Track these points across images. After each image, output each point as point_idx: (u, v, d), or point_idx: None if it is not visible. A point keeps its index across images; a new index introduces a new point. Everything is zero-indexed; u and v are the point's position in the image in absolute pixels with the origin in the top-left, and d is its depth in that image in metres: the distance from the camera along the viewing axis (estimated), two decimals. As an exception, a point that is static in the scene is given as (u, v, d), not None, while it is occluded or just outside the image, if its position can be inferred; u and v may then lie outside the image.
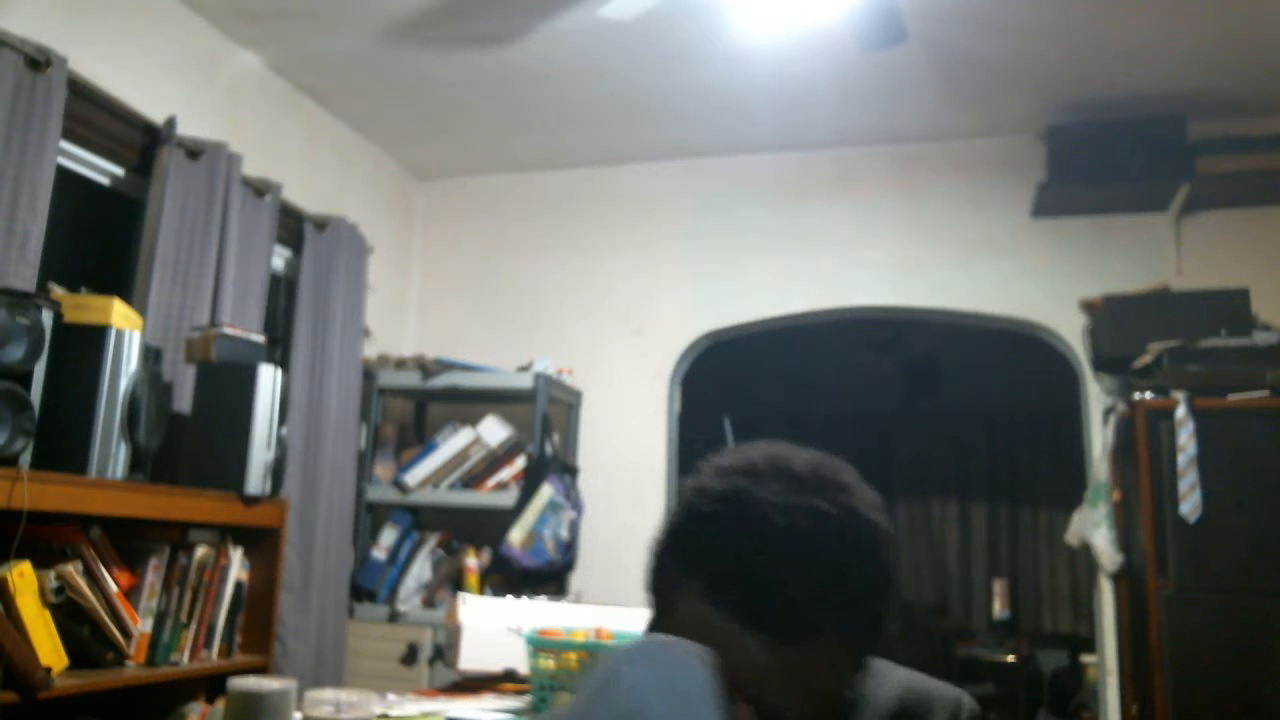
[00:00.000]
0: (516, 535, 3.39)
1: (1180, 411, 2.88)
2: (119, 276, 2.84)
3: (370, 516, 3.74)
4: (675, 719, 0.63)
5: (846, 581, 0.72)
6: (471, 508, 3.67)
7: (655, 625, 0.77)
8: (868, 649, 0.76)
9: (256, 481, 2.52)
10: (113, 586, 2.15)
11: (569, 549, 3.54)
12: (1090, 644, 3.98)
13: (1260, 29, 2.96)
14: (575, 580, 3.72)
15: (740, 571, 0.71)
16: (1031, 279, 3.68)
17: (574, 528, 3.57)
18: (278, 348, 2.95)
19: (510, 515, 3.45)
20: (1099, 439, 3.40)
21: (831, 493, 0.75)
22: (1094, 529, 3.21)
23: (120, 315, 2.26)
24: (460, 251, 4.34)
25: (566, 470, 3.65)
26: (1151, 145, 3.35)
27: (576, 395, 3.99)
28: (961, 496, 6.74)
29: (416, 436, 4.04)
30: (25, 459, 2.00)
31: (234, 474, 2.49)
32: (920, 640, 6.17)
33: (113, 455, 2.21)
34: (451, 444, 3.71)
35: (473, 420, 3.74)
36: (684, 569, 0.74)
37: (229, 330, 2.64)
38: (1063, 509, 4.53)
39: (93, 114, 2.68)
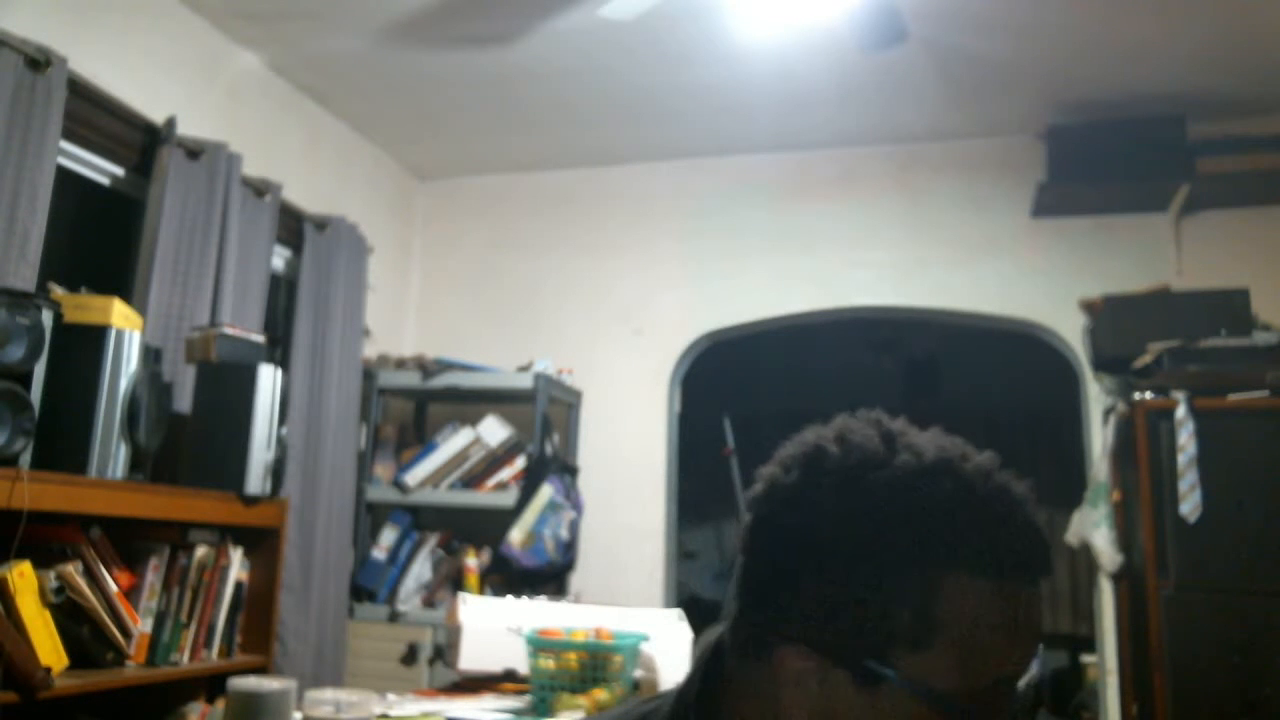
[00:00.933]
0: (516, 535, 3.40)
1: (1180, 411, 2.88)
2: (119, 276, 2.84)
3: (370, 516, 3.74)
4: None
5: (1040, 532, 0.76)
6: (471, 508, 3.67)
7: (919, 622, 0.71)
8: None
9: (256, 481, 2.52)
10: (113, 586, 2.15)
11: (569, 549, 3.54)
12: (1090, 644, 3.98)
13: (1260, 29, 2.96)
14: (575, 580, 3.72)
15: (1012, 537, 0.73)
16: (1031, 279, 3.68)
17: (574, 528, 3.57)
18: (278, 348, 2.95)
19: (510, 515, 3.45)
20: (1099, 439, 3.40)
21: (959, 445, 0.81)
22: (1094, 529, 3.21)
23: (120, 315, 2.26)
24: (460, 251, 4.34)
25: (566, 470, 3.65)
26: (1151, 145, 3.35)
27: (576, 395, 3.99)
28: (961, 496, 6.73)
29: (416, 436, 4.04)
30: (25, 459, 1.99)
31: (234, 474, 2.49)
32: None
33: (113, 455, 2.21)
34: (451, 444, 3.71)
35: (473, 420, 3.74)
36: (930, 556, 0.71)
37: (229, 330, 2.64)
38: (1063, 509, 4.52)
39: (93, 114, 2.68)
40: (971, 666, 0.70)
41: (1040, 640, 0.74)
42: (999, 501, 0.74)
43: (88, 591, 2.09)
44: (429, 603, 3.59)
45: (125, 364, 2.25)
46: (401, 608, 3.55)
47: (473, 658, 2.25)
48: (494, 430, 3.70)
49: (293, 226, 3.46)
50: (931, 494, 0.73)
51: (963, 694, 0.70)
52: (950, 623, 0.70)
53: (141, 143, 2.84)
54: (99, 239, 2.99)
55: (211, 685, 2.43)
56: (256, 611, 2.59)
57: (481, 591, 3.43)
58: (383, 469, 3.78)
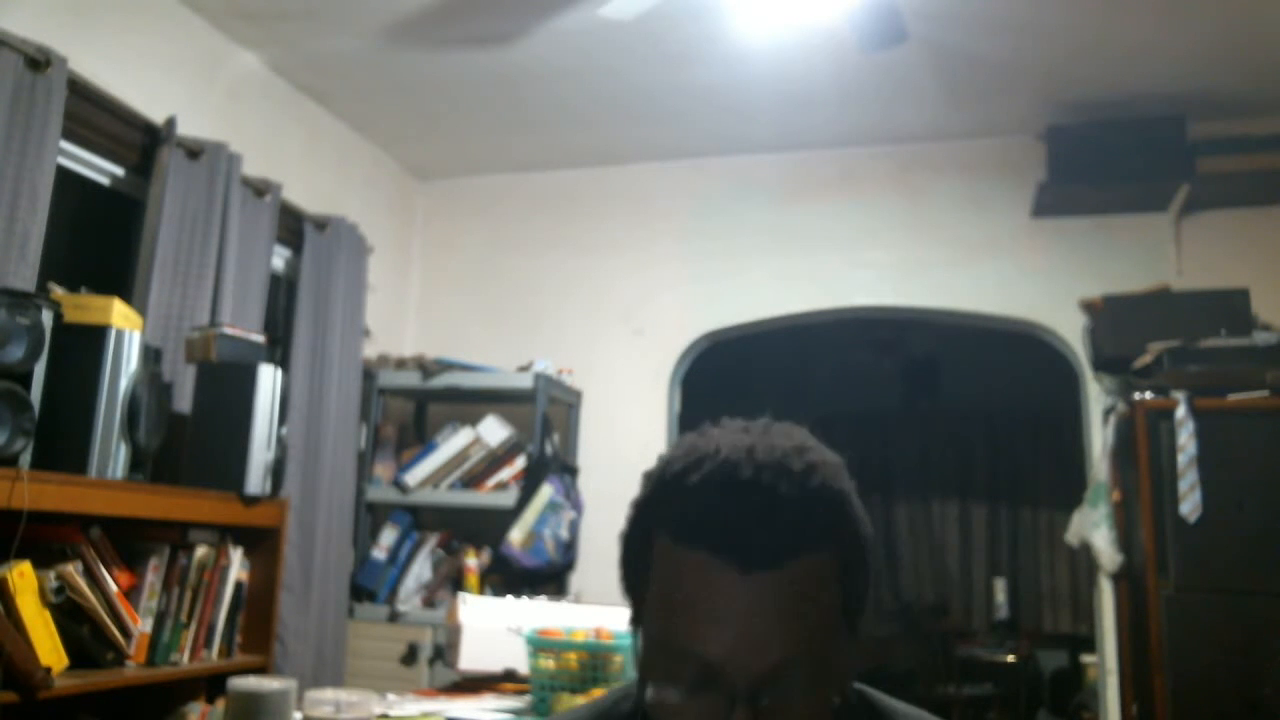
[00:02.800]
0: (516, 535, 3.39)
1: (1180, 411, 2.87)
2: (119, 276, 2.84)
3: (370, 516, 3.74)
4: None
5: (814, 517, 0.74)
6: (471, 508, 3.67)
7: (631, 576, 0.82)
8: (851, 590, 0.77)
9: (256, 481, 2.52)
10: (113, 586, 2.15)
11: (569, 549, 3.54)
12: (1090, 644, 3.98)
13: (1260, 29, 2.96)
14: (575, 580, 3.72)
15: (708, 506, 0.74)
16: (1031, 279, 3.68)
17: (574, 528, 3.57)
18: (278, 348, 2.95)
19: (510, 515, 3.45)
20: (1099, 439, 3.40)
21: (784, 433, 0.80)
22: (1094, 529, 3.21)
23: (120, 315, 2.26)
24: (460, 251, 4.34)
25: (566, 470, 3.65)
26: (1151, 145, 3.35)
27: (576, 395, 3.99)
28: (961, 496, 6.74)
29: (416, 436, 4.04)
30: (25, 459, 1.99)
31: (234, 474, 2.49)
32: (920, 640, 6.17)
33: (113, 455, 2.21)
34: (451, 444, 3.71)
35: (473, 420, 3.74)
36: (655, 527, 0.78)
37: (229, 330, 2.64)
38: (1063, 509, 4.52)
39: (93, 114, 2.68)
40: (663, 624, 0.76)
41: (746, 631, 0.72)
42: (711, 481, 0.75)
43: (88, 591, 2.09)
44: (429, 603, 3.59)
45: (125, 364, 2.25)
46: (401, 608, 3.55)
47: (473, 658, 2.25)
48: (494, 430, 3.70)
49: (293, 226, 3.46)
50: (662, 471, 0.79)
51: (659, 647, 0.76)
52: (654, 578, 0.77)
53: (141, 143, 2.84)
54: (99, 239, 2.99)
55: (211, 685, 2.43)
56: (256, 611, 2.59)
57: (481, 591, 3.43)
58: (383, 469, 3.78)
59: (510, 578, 3.43)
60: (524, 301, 4.19)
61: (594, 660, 2.01)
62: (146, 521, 2.28)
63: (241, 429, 2.51)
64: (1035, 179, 3.55)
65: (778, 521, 0.73)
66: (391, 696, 2.07)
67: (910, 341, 6.43)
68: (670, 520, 0.76)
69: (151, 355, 2.40)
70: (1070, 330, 3.60)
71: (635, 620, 0.82)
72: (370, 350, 3.89)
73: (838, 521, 0.76)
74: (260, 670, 2.50)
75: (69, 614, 2.07)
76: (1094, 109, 3.42)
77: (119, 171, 2.85)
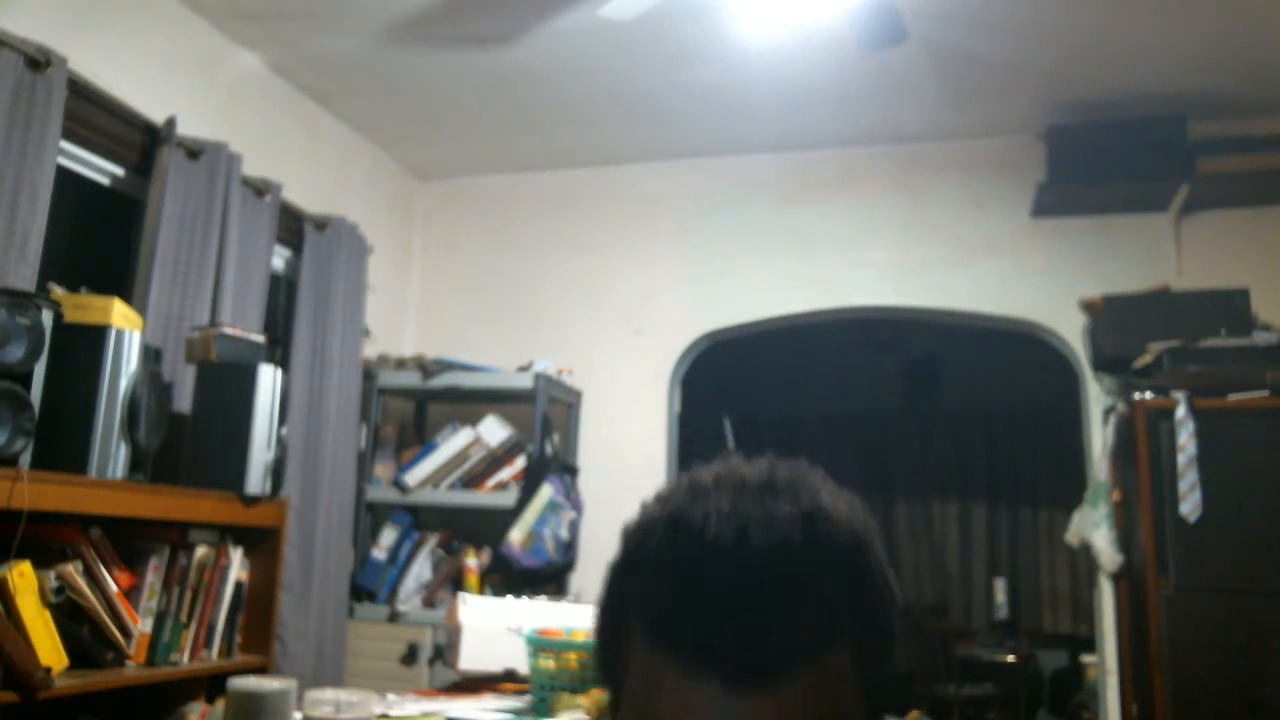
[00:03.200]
0: (516, 535, 3.39)
1: (1180, 411, 2.88)
2: (119, 276, 2.84)
3: (370, 516, 3.74)
4: None
5: (821, 600, 0.58)
6: (471, 508, 3.67)
7: (607, 661, 0.65)
8: (873, 681, 0.60)
9: (256, 481, 2.52)
10: (113, 586, 2.15)
11: (569, 549, 3.54)
12: (1090, 644, 3.98)
13: (1260, 29, 2.96)
14: (575, 580, 3.72)
15: (685, 604, 0.58)
16: (1031, 279, 3.68)
17: (574, 528, 3.57)
18: (278, 348, 2.95)
19: (510, 515, 3.45)
20: (1099, 439, 3.40)
21: (791, 493, 0.61)
22: (1094, 529, 3.21)
23: (120, 315, 2.26)
24: (460, 251, 4.34)
25: (566, 470, 3.65)
26: (1151, 145, 3.35)
27: (576, 395, 3.99)
28: (961, 496, 6.74)
29: (416, 436, 4.04)
30: (25, 459, 1.99)
31: (234, 474, 2.49)
32: (920, 640, 6.17)
33: (113, 455, 2.21)
34: (451, 444, 3.71)
35: (473, 420, 3.74)
36: (629, 613, 0.62)
37: (229, 330, 2.64)
38: (1063, 509, 4.52)
39: (93, 114, 2.68)
40: None
41: None
42: (692, 569, 0.58)
43: (88, 591, 2.09)
44: (429, 603, 3.59)
45: (125, 364, 2.25)
46: (401, 608, 3.55)
47: (473, 658, 2.25)
48: (494, 430, 3.70)
49: (293, 226, 3.46)
50: (639, 542, 0.64)
51: None
52: (630, 675, 0.61)
53: (141, 143, 2.84)
54: (99, 239, 2.99)
55: (211, 685, 2.43)
56: (256, 611, 2.58)
57: (481, 591, 3.43)
58: (383, 469, 3.78)
59: (510, 578, 3.43)
60: (524, 301, 4.19)
61: (594, 660, 2.01)
62: (146, 521, 2.28)
63: (241, 429, 2.51)
64: (1035, 179, 3.55)
65: (775, 627, 0.56)
66: (391, 696, 2.07)
67: (910, 341, 6.43)
68: (642, 610, 0.60)
69: (151, 355, 2.40)
70: (1070, 330, 3.60)
71: (613, 703, 0.65)
72: (370, 350, 3.89)
73: (855, 604, 0.60)
74: (260, 670, 2.50)
75: (69, 614, 2.07)
76: (1094, 109, 3.42)
77: (119, 171, 2.85)
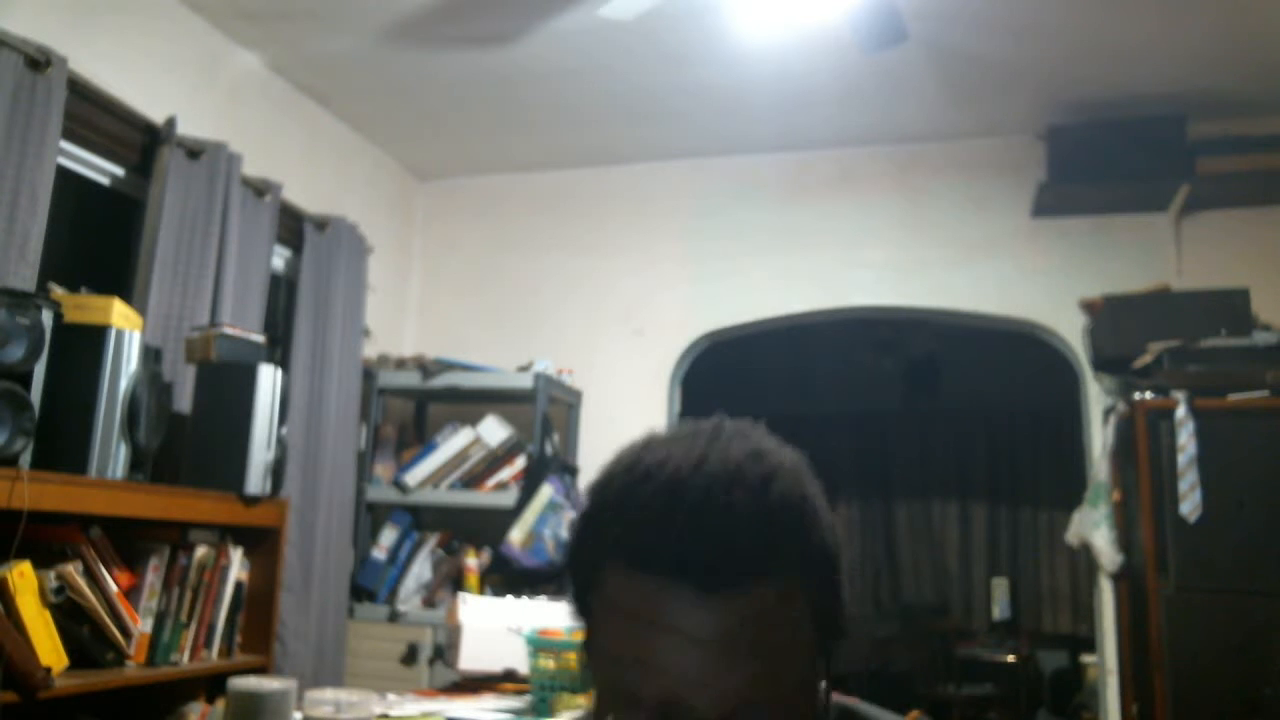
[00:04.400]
0: (516, 535, 3.39)
1: (1180, 411, 2.88)
2: (119, 276, 2.84)
3: (370, 516, 3.74)
4: None
5: (775, 531, 0.67)
6: (471, 508, 3.67)
7: (580, 601, 0.74)
8: (823, 605, 0.70)
9: (256, 481, 2.52)
10: (113, 586, 2.15)
11: (569, 549, 3.54)
12: (1090, 644, 3.98)
13: (1260, 29, 2.96)
14: (575, 580, 3.71)
15: (657, 529, 0.67)
16: (1031, 279, 3.68)
17: (574, 528, 3.57)
18: (278, 348, 2.95)
19: (510, 515, 3.45)
20: (1099, 439, 3.40)
21: (740, 437, 0.72)
22: (1094, 529, 3.21)
23: (120, 315, 2.26)
24: (460, 251, 4.34)
25: (566, 470, 3.65)
26: (1151, 145, 3.35)
27: (576, 395, 3.99)
28: (961, 496, 6.74)
29: (416, 436, 4.04)
30: (25, 459, 1.99)
31: (234, 474, 2.49)
32: (920, 640, 6.17)
33: (113, 455, 2.21)
34: (451, 444, 3.71)
35: (473, 420, 3.74)
36: (599, 552, 0.71)
37: (229, 330, 2.64)
38: (1063, 509, 4.53)
39: (93, 114, 2.68)
40: (611, 664, 0.69)
41: (707, 667, 0.64)
42: (658, 498, 0.67)
43: (88, 591, 2.09)
44: (429, 603, 3.59)
45: (125, 364, 2.25)
46: (401, 608, 3.55)
47: (473, 658, 2.25)
48: (494, 430, 3.70)
49: (293, 226, 3.46)
50: (604, 486, 0.74)
51: (610, 688, 0.69)
52: (602, 607, 0.70)
53: (141, 143, 2.84)
54: (99, 239, 2.99)
55: (211, 685, 2.43)
56: (256, 611, 2.58)
57: (481, 591, 3.43)
58: (383, 469, 3.78)
59: (510, 578, 3.43)
60: (524, 301, 4.19)
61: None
62: (146, 521, 2.28)
63: (241, 429, 2.51)
64: (1035, 179, 3.55)
65: (736, 538, 0.65)
66: (391, 696, 2.07)
67: (910, 341, 6.43)
68: (616, 542, 0.69)
69: (151, 355, 2.39)
70: (1070, 330, 3.60)
71: (585, 644, 0.74)
72: (370, 350, 3.89)
73: (802, 534, 0.69)
74: (260, 670, 2.50)
75: (69, 614, 2.07)
76: (1094, 109, 3.42)
77: (119, 171, 2.85)
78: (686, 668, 0.64)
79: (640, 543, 0.67)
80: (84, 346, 2.19)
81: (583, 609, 0.74)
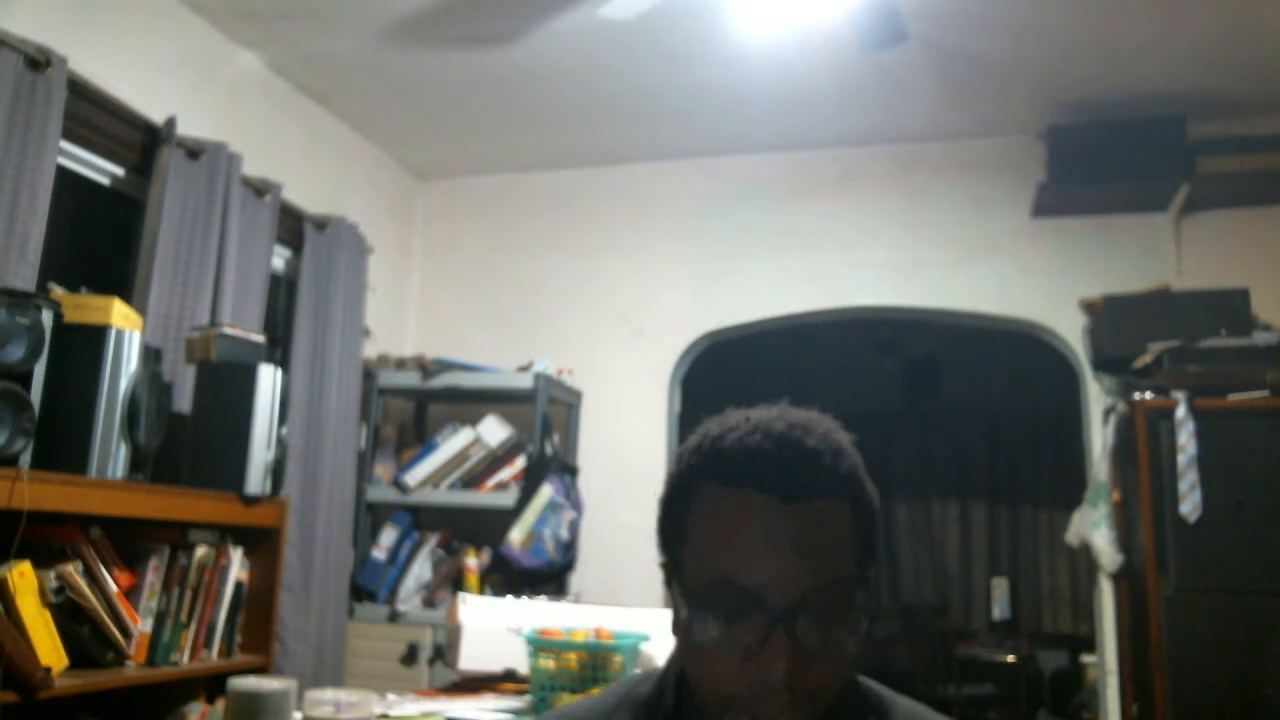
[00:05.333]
0: (516, 535, 3.39)
1: (1180, 411, 2.88)
2: (119, 276, 2.83)
3: (370, 516, 3.74)
4: None
5: (838, 465, 0.87)
6: (471, 508, 3.67)
7: (671, 530, 0.89)
8: (867, 519, 0.88)
9: (256, 481, 2.52)
10: (113, 586, 2.15)
11: (569, 549, 3.54)
12: (1090, 644, 3.98)
13: (1260, 29, 2.96)
14: (575, 580, 3.72)
15: (748, 456, 0.85)
16: (1031, 279, 3.68)
17: (574, 528, 3.57)
18: (278, 348, 2.94)
19: (510, 515, 3.45)
20: (1099, 439, 3.40)
21: (802, 409, 0.92)
22: (1094, 529, 3.21)
23: (120, 315, 2.26)
24: (460, 251, 4.34)
25: (566, 470, 3.65)
26: (1151, 145, 3.35)
27: (576, 395, 3.99)
28: (961, 496, 6.75)
29: (416, 436, 4.04)
30: (25, 459, 1.99)
31: (234, 474, 2.49)
32: (920, 640, 6.18)
33: (113, 455, 2.21)
34: (451, 444, 3.71)
35: (473, 420, 3.74)
36: (699, 474, 0.87)
37: (229, 330, 2.64)
38: (1063, 509, 4.53)
39: (93, 114, 2.68)
40: (707, 559, 0.84)
41: (784, 557, 0.81)
42: (751, 434, 0.86)
43: (88, 591, 2.09)
44: (429, 603, 3.59)
45: (125, 364, 2.25)
46: (401, 608, 3.55)
47: (473, 658, 2.25)
48: (494, 430, 3.70)
49: (293, 226, 3.46)
50: (701, 436, 0.90)
51: (704, 580, 0.84)
52: (696, 522, 0.86)
53: (141, 143, 2.84)
54: (99, 239, 2.99)
55: (211, 685, 2.43)
56: (256, 611, 2.58)
57: (481, 591, 3.43)
58: (383, 469, 3.78)
59: (510, 578, 3.43)
60: (524, 301, 4.19)
61: (594, 660, 2.01)
62: (146, 521, 2.28)
63: (241, 429, 2.51)
64: (1035, 179, 3.55)
65: (809, 463, 0.84)
66: (391, 696, 2.07)
67: (910, 341, 6.43)
68: (715, 467, 0.86)
69: (151, 355, 2.39)
70: (1070, 330, 3.60)
71: (671, 569, 0.90)
72: (370, 350, 3.89)
73: (853, 471, 0.88)
74: (260, 670, 2.50)
75: (69, 614, 2.07)
76: (1094, 109, 3.42)
77: (119, 171, 2.85)
78: (770, 560, 0.81)
79: (736, 463, 0.85)
80: (84, 346, 2.19)
81: (675, 529, 0.89)
